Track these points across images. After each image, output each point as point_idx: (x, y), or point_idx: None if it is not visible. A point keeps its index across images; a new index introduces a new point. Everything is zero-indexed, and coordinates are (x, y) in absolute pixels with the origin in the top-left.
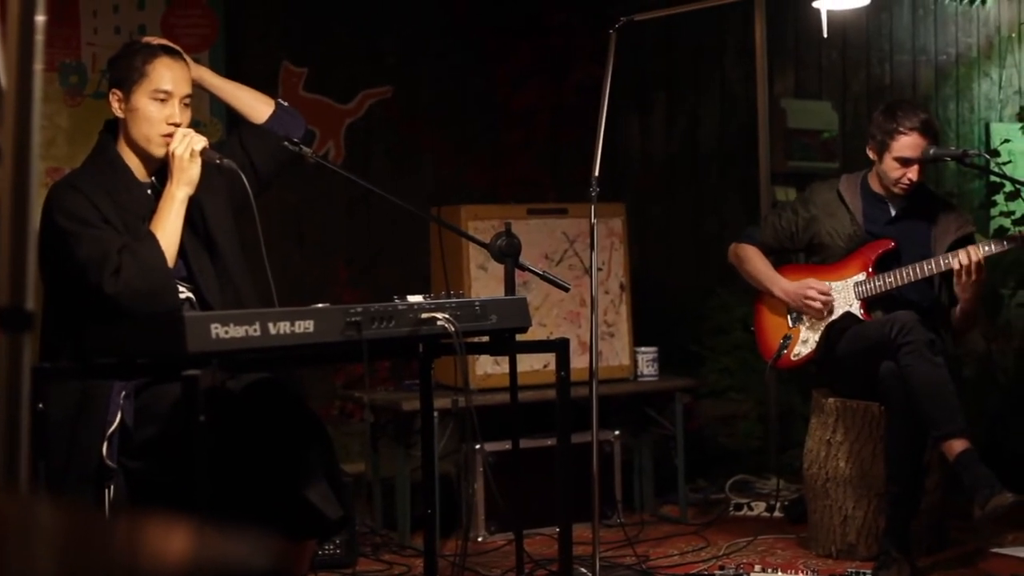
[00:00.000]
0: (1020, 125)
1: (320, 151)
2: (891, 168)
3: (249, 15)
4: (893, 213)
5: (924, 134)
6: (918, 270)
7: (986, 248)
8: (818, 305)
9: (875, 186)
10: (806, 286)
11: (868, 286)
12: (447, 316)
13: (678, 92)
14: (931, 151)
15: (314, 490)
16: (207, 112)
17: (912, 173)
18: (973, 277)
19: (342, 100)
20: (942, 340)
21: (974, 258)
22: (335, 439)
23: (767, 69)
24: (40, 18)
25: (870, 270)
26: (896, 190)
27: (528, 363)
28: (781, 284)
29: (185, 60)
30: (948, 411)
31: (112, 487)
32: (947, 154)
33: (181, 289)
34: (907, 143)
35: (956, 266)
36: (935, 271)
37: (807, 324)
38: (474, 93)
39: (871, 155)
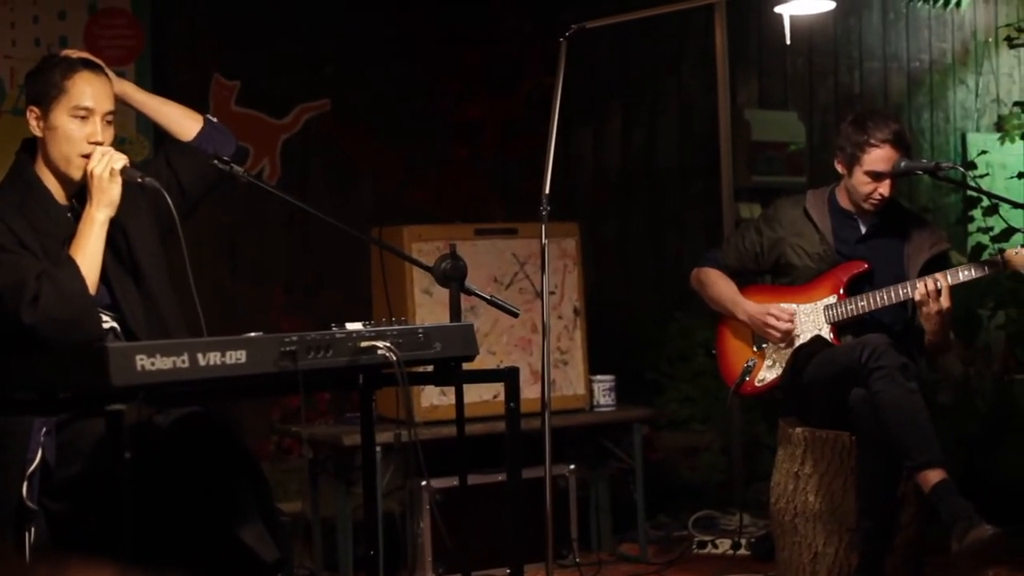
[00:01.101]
0: (998, 135)
1: (254, 169)
2: (861, 183)
3: (178, 25)
4: (863, 230)
5: (896, 146)
6: (892, 294)
7: (965, 273)
8: (777, 335)
9: (843, 202)
10: (768, 308)
11: (839, 310)
12: (388, 344)
13: (634, 103)
14: (902, 164)
15: (248, 531)
16: (134, 129)
17: (884, 188)
18: (933, 308)
19: (277, 115)
20: (916, 364)
21: (930, 287)
22: (271, 476)
23: (729, 78)
24: None
25: (841, 292)
26: (866, 206)
27: (476, 394)
28: (745, 306)
29: (107, 74)
30: (923, 439)
31: (33, 529)
32: (919, 167)
33: (104, 318)
34: (879, 156)
35: (917, 296)
36: (909, 295)
37: (773, 348)
38: (417, 106)
39: (840, 169)
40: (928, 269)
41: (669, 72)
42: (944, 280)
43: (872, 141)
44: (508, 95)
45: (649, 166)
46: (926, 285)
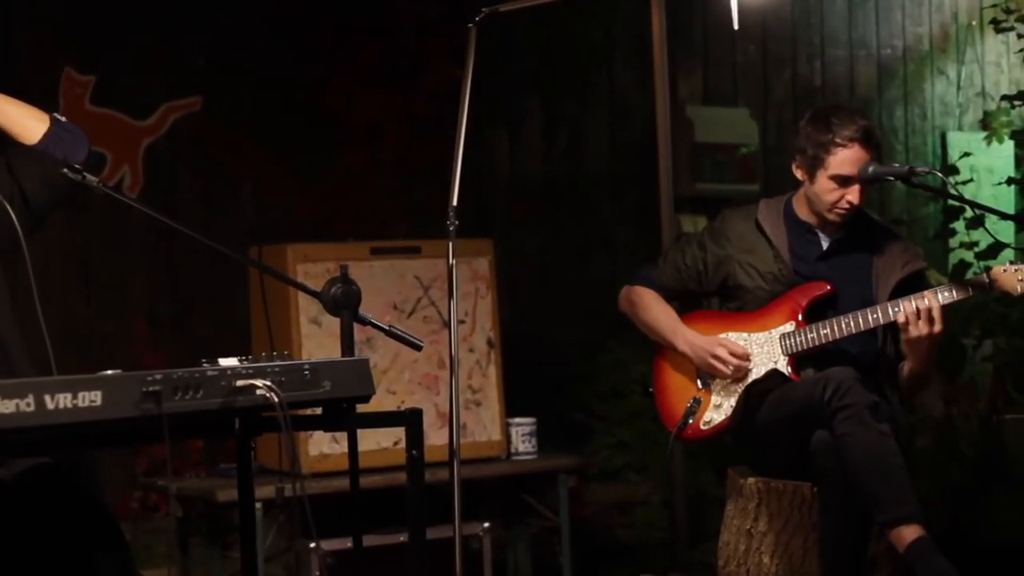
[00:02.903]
0: (984, 135)
1: (112, 179)
2: (826, 189)
3: (22, 12)
4: (825, 246)
5: (866, 146)
6: (860, 321)
7: (945, 294)
8: (727, 370)
9: (802, 213)
10: (716, 343)
11: (797, 339)
12: (269, 383)
13: (557, 99)
14: (870, 169)
15: None
16: None
17: (852, 195)
18: (924, 331)
19: (139, 115)
20: (888, 402)
21: (924, 306)
22: (134, 538)
23: (668, 69)
24: None
25: (799, 319)
26: (831, 216)
27: (373, 440)
28: (685, 335)
29: None
30: (897, 490)
31: None
32: (891, 172)
33: None
34: (846, 157)
35: (902, 319)
36: (880, 322)
37: (721, 385)
38: (304, 104)
39: (799, 175)
40: (901, 291)
41: (598, 63)
42: (934, 300)
43: (837, 140)
44: (409, 91)
45: (575, 173)
46: (916, 306)
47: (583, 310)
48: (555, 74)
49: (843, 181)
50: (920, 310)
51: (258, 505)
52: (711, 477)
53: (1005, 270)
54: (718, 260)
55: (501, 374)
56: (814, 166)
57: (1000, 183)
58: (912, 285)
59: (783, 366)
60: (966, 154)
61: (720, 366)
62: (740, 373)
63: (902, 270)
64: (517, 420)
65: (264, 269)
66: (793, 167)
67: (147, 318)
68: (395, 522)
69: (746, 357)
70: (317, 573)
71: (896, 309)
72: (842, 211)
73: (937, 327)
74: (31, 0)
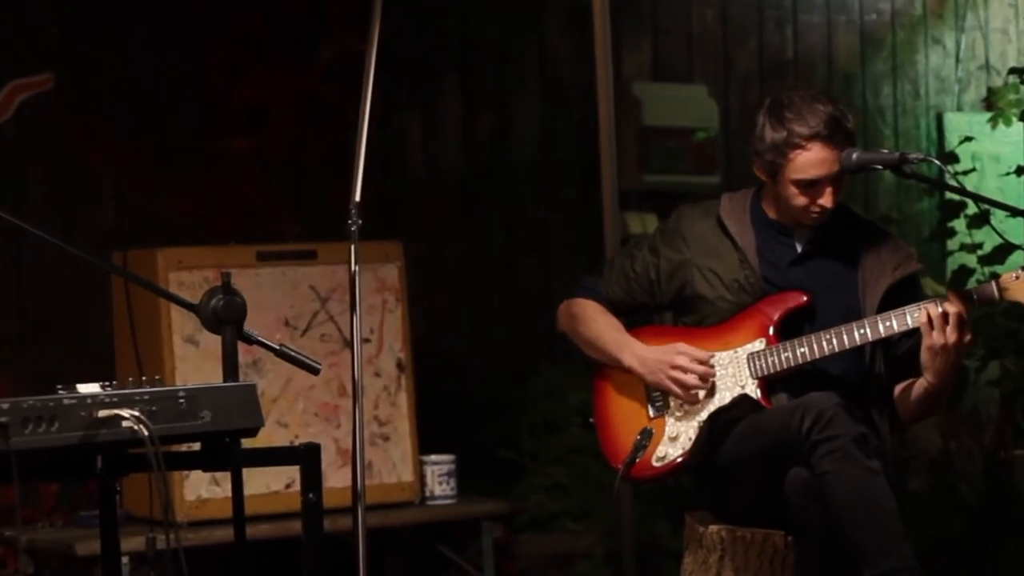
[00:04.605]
0: (988, 116)
1: None
2: (792, 195)
3: None
4: (799, 249)
5: (830, 141)
6: (844, 337)
7: (944, 307)
8: (692, 380)
9: (771, 212)
10: (674, 351)
11: (769, 359)
12: (137, 414)
13: (479, 76)
14: (854, 156)
15: None
16: None
17: (825, 199)
18: (952, 339)
19: None
20: (877, 435)
21: (952, 311)
22: None
23: (611, 39)
24: None
25: (771, 335)
26: (805, 221)
27: (262, 482)
28: (634, 350)
29: None
30: (888, 538)
31: None
32: (878, 160)
33: None
34: (807, 160)
35: (924, 320)
36: (869, 338)
37: (677, 413)
38: (175, 83)
39: (761, 176)
40: (892, 299)
41: (528, 32)
42: (957, 305)
43: (794, 140)
44: (302, 67)
45: (501, 164)
46: (943, 309)
47: (511, 327)
48: (476, 46)
49: (809, 185)
50: (949, 314)
51: (124, 559)
52: (665, 525)
53: (1017, 277)
54: (673, 266)
55: (413, 403)
56: (773, 170)
57: (1008, 173)
58: (905, 293)
59: (752, 391)
60: (967, 139)
61: (684, 377)
62: (708, 387)
63: (892, 274)
64: (433, 458)
65: (130, 278)
66: (753, 168)
67: None
68: None
69: (707, 362)
70: None
71: (916, 312)
72: (816, 215)
73: (968, 335)
74: None
